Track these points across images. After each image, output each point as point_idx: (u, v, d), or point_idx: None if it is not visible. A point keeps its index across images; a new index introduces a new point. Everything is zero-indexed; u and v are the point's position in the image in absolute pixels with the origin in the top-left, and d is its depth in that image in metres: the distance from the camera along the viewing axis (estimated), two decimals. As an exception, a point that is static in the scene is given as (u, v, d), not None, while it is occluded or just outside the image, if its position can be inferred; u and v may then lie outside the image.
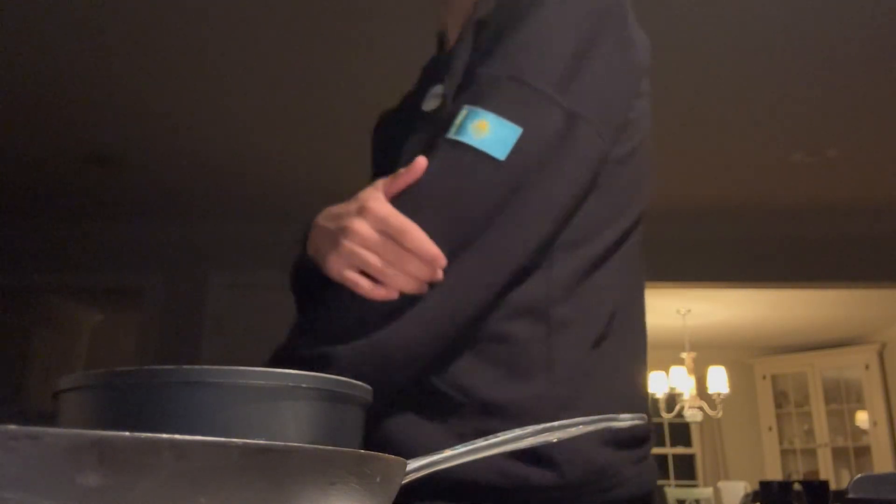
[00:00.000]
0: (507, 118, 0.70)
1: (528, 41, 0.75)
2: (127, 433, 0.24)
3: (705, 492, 5.94)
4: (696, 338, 6.42)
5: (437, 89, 0.85)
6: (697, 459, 7.48)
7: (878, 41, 2.83)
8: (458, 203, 0.69)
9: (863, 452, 6.72)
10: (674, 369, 5.89)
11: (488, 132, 0.70)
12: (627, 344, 0.84)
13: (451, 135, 0.71)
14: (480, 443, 0.40)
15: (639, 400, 0.84)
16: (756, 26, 2.76)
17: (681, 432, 7.52)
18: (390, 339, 0.67)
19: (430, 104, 0.85)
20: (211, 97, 3.28)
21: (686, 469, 7.50)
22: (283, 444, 0.27)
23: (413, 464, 0.37)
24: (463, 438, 0.52)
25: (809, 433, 7.06)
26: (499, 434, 0.41)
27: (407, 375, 0.69)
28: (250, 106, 3.31)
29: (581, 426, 0.43)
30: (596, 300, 0.78)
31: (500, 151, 0.69)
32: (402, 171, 0.70)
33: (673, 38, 2.83)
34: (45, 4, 2.67)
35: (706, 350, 6.71)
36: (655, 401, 5.92)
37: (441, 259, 0.67)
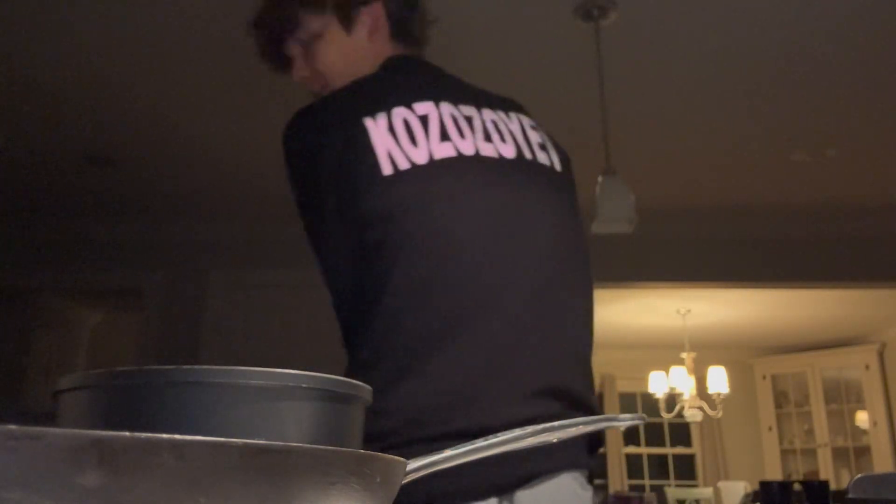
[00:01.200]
0: None
1: None
2: (127, 433, 0.24)
3: (705, 492, 5.94)
4: (695, 338, 6.42)
5: (538, 137, 1.07)
6: (697, 459, 7.49)
7: (879, 41, 2.83)
8: None
9: (863, 452, 6.72)
10: (674, 369, 5.90)
11: None
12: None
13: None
14: (480, 443, 0.40)
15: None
16: (756, 25, 2.76)
17: (681, 432, 7.53)
18: None
19: (543, 157, 1.04)
20: (212, 97, 3.28)
21: (686, 469, 7.50)
22: (282, 444, 0.27)
23: (413, 464, 0.37)
24: None
25: (809, 433, 7.06)
26: (498, 434, 0.41)
27: None
28: (251, 106, 3.31)
29: (581, 426, 0.43)
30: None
31: None
32: None
33: (672, 37, 2.83)
34: (44, 4, 2.67)
35: (706, 350, 6.71)
36: (655, 400, 5.93)
37: None
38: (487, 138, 0.98)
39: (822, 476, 6.64)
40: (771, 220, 4.49)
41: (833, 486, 2.62)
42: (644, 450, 7.56)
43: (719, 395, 5.62)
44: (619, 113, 3.19)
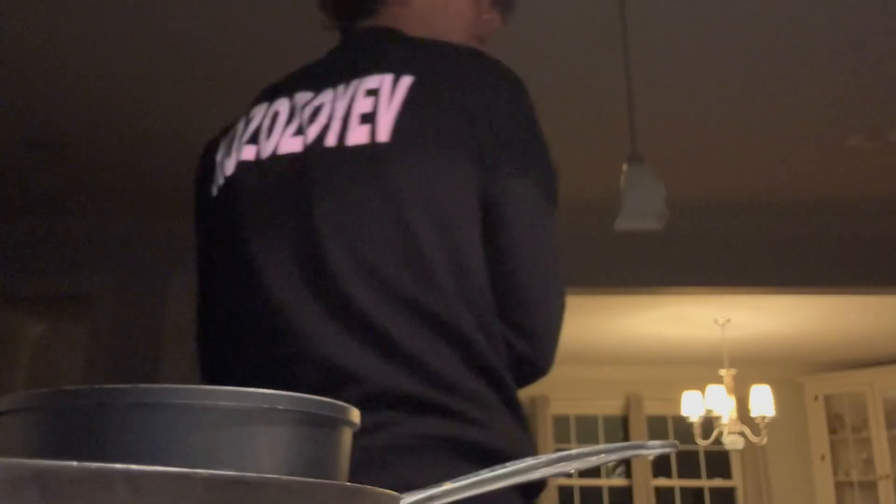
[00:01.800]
0: None
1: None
2: (74, 463, 0.24)
3: (747, 531, 5.95)
4: (736, 352, 6.42)
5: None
6: (738, 493, 7.49)
7: (949, 6, 2.84)
8: None
9: (931, 485, 6.73)
10: (711, 388, 5.90)
11: None
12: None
13: None
14: (486, 474, 0.40)
15: None
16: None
17: (719, 462, 7.53)
18: None
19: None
20: (173, 74, 3.28)
21: (725, 505, 7.52)
22: (256, 475, 0.27)
23: (408, 498, 0.37)
24: None
25: (868, 463, 7.06)
26: (507, 465, 0.41)
27: None
28: (218, 85, 3.31)
29: (603, 454, 0.43)
30: None
31: None
32: None
33: (706, 7, 2.83)
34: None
35: (748, 366, 6.71)
36: (689, 425, 5.93)
37: None
38: (298, 131, 1.03)
39: (884, 513, 6.65)
40: (823, 216, 4.49)
41: (896, 525, 2.63)
42: (676, 482, 7.56)
43: (764, 418, 5.62)
44: (647, 92, 3.19)
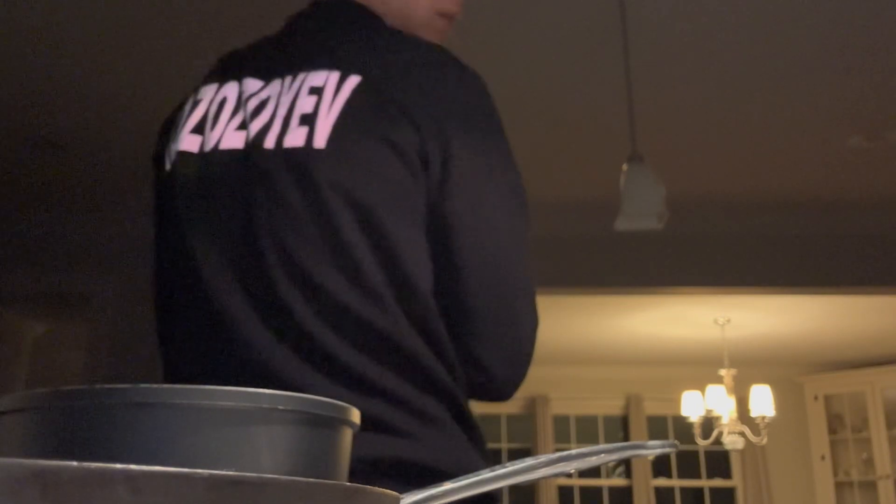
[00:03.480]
0: None
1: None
2: (74, 463, 0.24)
3: (747, 531, 5.95)
4: (736, 352, 6.42)
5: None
6: (738, 494, 7.49)
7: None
8: None
9: (930, 485, 6.73)
10: (711, 388, 5.89)
11: None
12: None
13: None
14: (486, 474, 0.40)
15: None
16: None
17: (719, 462, 7.53)
18: None
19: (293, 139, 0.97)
20: (174, 73, 3.28)
21: (725, 505, 7.51)
22: (256, 475, 0.27)
23: (408, 498, 0.37)
24: None
25: (869, 463, 7.06)
26: (507, 464, 0.41)
27: None
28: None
29: (603, 454, 0.43)
30: None
31: None
32: None
33: (706, 6, 2.83)
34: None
35: (748, 366, 6.71)
36: (689, 425, 5.93)
37: None
38: (242, 125, 0.99)
39: (884, 513, 6.65)
40: (824, 216, 4.49)
41: (896, 525, 2.63)
42: (676, 482, 7.56)
43: (764, 418, 5.62)
44: (647, 92, 3.19)
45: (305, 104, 0.96)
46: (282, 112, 0.97)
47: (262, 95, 1.00)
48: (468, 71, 1.01)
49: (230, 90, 1.03)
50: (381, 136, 0.93)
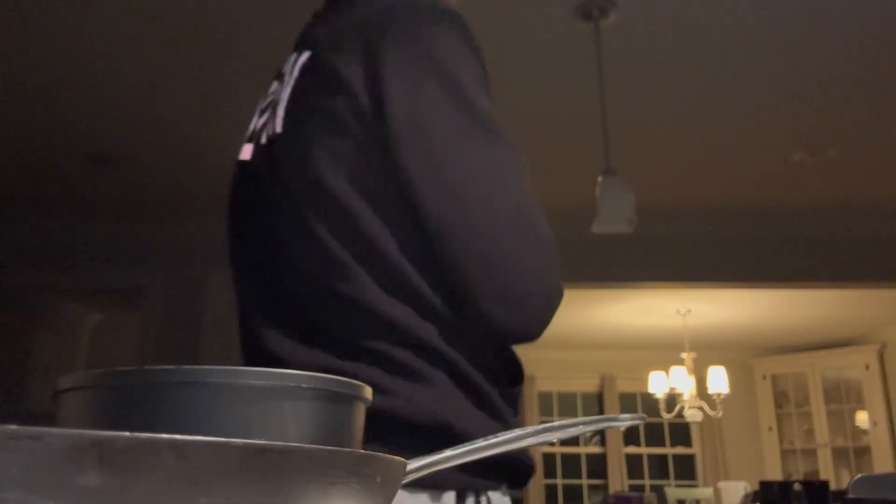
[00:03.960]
0: None
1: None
2: (127, 433, 0.24)
3: (705, 492, 5.94)
4: (696, 338, 6.42)
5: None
6: (697, 459, 7.48)
7: (879, 39, 2.83)
8: None
9: (863, 453, 6.72)
10: (674, 369, 5.89)
11: None
12: None
13: None
14: (480, 442, 0.40)
15: None
16: (756, 25, 2.76)
17: (681, 432, 7.52)
18: None
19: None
20: (212, 96, 3.28)
21: (686, 469, 7.50)
22: (282, 444, 0.27)
23: (413, 464, 0.37)
24: None
25: (809, 433, 7.06)
26: (499, 434, 0.41)
27: None
28: (251, 105, 3.30)
29: (581, 426, 0.43)
30: None
31: None
32: None
33: (672, 37, 2.83)
34: (43, 3, 2.67)
35: (706, 350, 6.71)
36: (655, 401, 5.93)
37: None
38: (265, 126, 0.90)
39: (822, 476, 6.64)
40: (771, 220, 4.49)
41: (833, 487, 2.62)
42: (644, 450, 7.56)
43: (719, 395, 5.62)
44: (620, 113, 3.19)
45: (284, 92, 0.87)
46: (283, 105, 0.87)
47: (272, 98, 0.91)
48: (413, 7, 0.83)
49: (274, 91, 0.93)
50: (317, 107, 0.80)
